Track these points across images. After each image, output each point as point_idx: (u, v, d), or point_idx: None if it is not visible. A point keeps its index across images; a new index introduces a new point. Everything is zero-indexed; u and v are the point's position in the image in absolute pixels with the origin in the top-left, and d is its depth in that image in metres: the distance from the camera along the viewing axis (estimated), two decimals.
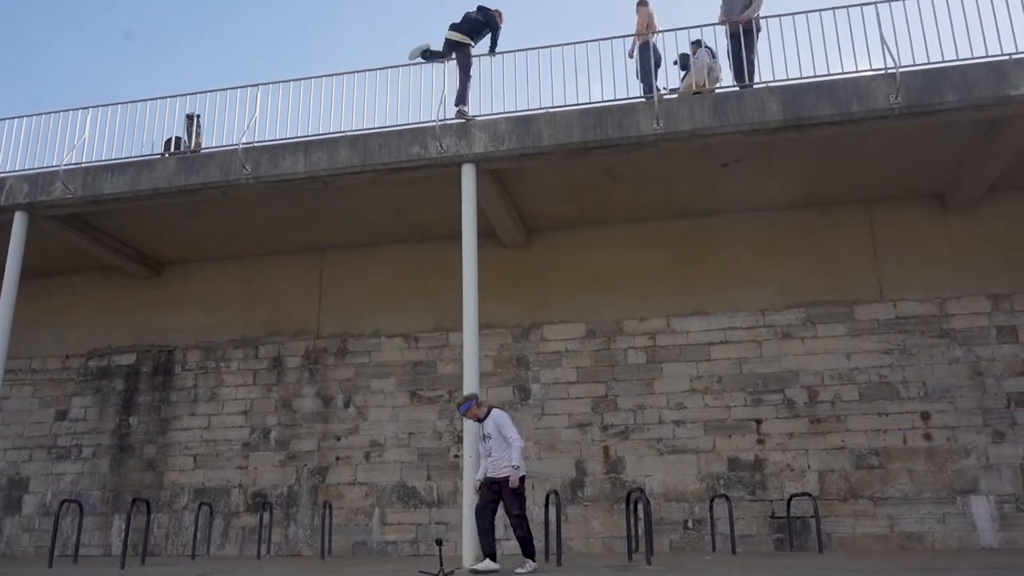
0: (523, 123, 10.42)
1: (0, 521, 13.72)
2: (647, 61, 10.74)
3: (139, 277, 14.53)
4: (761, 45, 10.44)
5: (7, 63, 45.86)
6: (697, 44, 10.84)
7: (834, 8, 10.05)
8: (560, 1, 47.72)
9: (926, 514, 11.09)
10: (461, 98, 10.87)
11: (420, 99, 11.03)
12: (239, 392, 13.68)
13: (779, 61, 10.00)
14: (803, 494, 11.11)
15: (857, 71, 9.86)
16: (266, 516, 12.50)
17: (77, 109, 12.07)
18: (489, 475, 8.20)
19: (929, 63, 9.70)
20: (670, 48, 11.70)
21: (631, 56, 11.03)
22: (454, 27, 11.14)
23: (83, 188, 11.57)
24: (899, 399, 11.59)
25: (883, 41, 9.73)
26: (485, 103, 10.92)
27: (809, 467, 11.54)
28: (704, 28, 10.62)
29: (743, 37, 10.45)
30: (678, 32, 10.80)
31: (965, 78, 9.48)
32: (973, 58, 9.62)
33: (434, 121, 10.67)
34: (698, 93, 10.25)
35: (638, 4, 11.38)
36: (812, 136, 10.11)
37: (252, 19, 47.73)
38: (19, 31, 45.43)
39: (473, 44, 11.07)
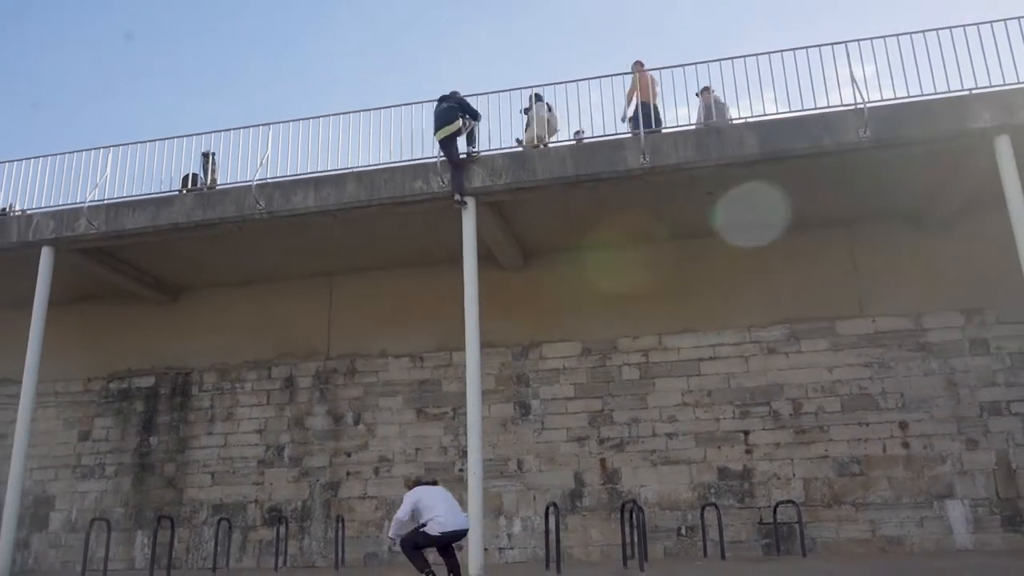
0: (519, 159, 11.15)
1: (28, 538, 14.40)
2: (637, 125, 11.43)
3: (156, 303, 15.24)
4: (740, 81, 11.08)
5: (7, 63, 46.59)
6: (536, 98, 11.90)
7: (807, 47, 10.77)
8: (554, 6, 48.51)
9: (905, 518, 11.76)
10: (459, 184, 11.18)
11: (423, 136, 11.70)
12: (254, 412, 14.38)
13: (756, 97, 10.71)
14: (789, 501, 11.78)
15: (828, 106, 10.61)
16: (282, 530, 13.16)
17: (99, 148, 12.83)
18: None
19: (895, 98, 10.43)
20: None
21: (624, 120, 11.72)
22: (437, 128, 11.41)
23: (106, 224, 12.30)
24: (879, 409, 12.26)
25: (852, 79, 10.46)
26: (483, 139, 11.63)
27: (794, 475, 12.20)
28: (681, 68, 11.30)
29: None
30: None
31: (929, 112, 10.19)
32: (936, 93, 10.34)
33: (435, 157, 11.40)
34: (536, 147, 11.36)
35: (635, 64, 12.09)
36: (789, 167, 10.81)
37: (252, 19, 48.50)
38: (19, 31, 46.16)
39: (462, 130, 11.37)
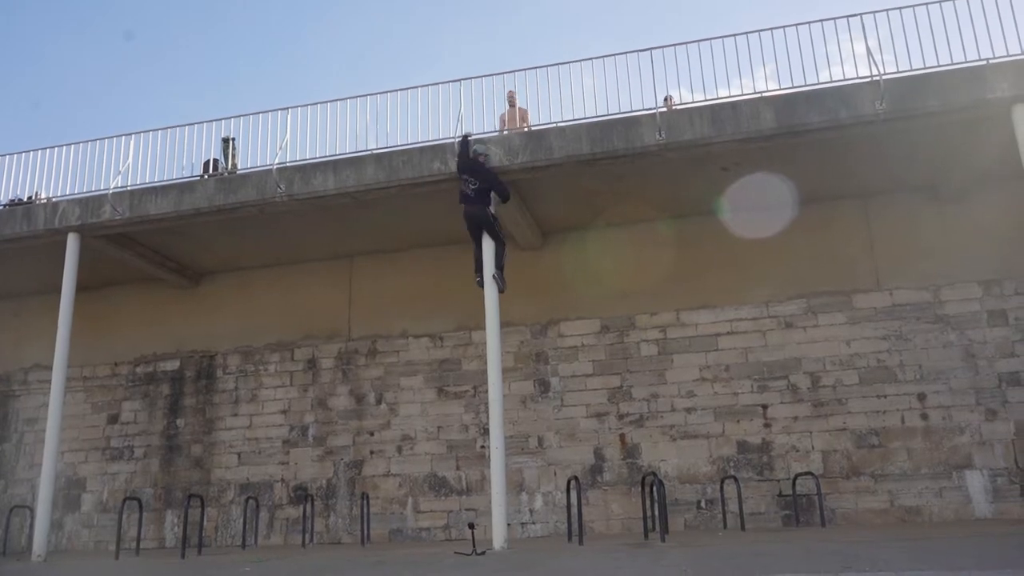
0: (535, 137, 11.24)
1: (61, 519, 14.76)
2: None
3: (179, 288, 15.49)
4: (755, 56, 11.07)
5: (7, 63, 46.85)
6: None
7: (822, 20, 10.78)
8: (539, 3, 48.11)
9: (924, 488, 11.85)
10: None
11: (439, 117, 11.83)
12: (277, 393, 14.64)
13: (772, 71, 10.75)
14: (807, 473, 11.90)
15: (844, 79, 10.60)
16: (308, 507, 13.43)
17: (121, 136, 13.04)
18: None
19: (912, 70, 10.43)
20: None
21: None
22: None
23: (130, 209, 12.52)
24: (897, 382, 12.33)
25: (868, 51, 10.46)
26: (491, 121, 11.74)
27: (813, 448, 12.31)
28: None
29: None
30: None
31: (945, 83, 10.18)
32: (953, 64, 10.31)
33: (452, 138, 11.51)
34: None
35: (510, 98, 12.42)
36: (805, 141, 10.84)
37: (252, 18, 48.56)
38: (19, 31, 46.38)
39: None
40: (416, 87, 11.97)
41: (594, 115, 11.28)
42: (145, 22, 45.01)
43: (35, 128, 45.70)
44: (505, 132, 12.04)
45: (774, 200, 12.84)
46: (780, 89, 10.72)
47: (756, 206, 12.99)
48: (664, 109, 11.20)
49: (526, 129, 11.99)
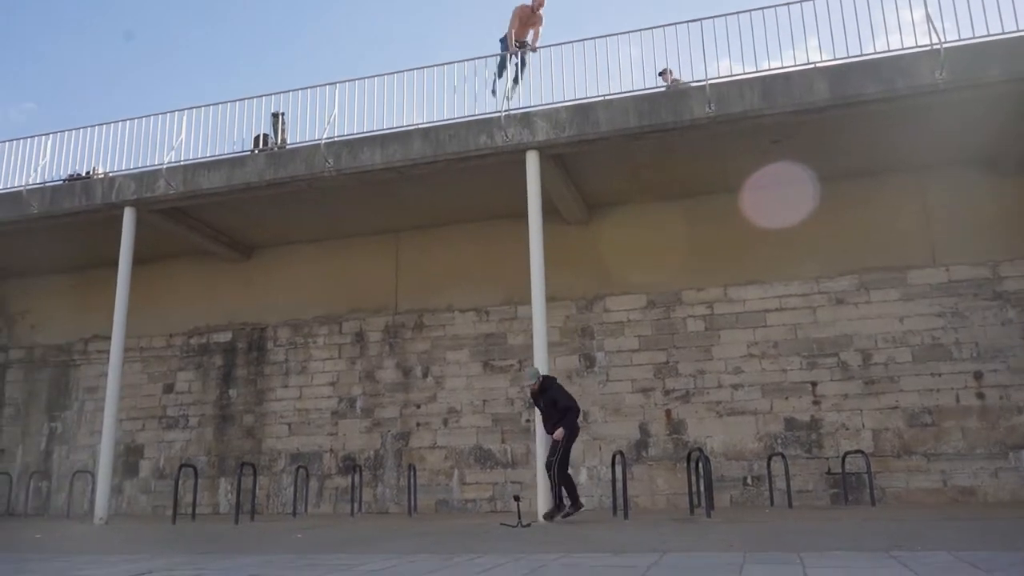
0: (582, 111, 11.13)
1: (121, 484, 15.28)
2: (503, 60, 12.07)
3: (231, 261, 15.79)
4: (808, 25, 10.79)
5: (6, 63, 47.64)
6: None
7: None
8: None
9: (979, 469, 11.60)
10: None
11: (485, 91, 11.82)
12: (326, 365, 14.88)
13: (826, 41, 10.46)
14: (857, 451, 11.72)
15: (903, 48, 10.27)
16: (356, 478, 13.67)
17: (173, 111, 13.26)
18: None
19: (974, 37, 10.05)
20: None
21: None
22: None
23: (183, 184, 12.78)
24: (952, 360, 12.05)
25: (928, 18, 10.10)
26: (546, 92, 11.64)
27: (863, 426, 12.12)
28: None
29: None
30: None
31: (1008, 51, 9.81)
32: (1018, 31, 9.92)
33: (499, 112, 11.47)
34: None
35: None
36: (859, 112, 10.56)
37: (253, 18, 48.68)
38: (19, 31, 47.08)
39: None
40: (461, 61, 11.93)
41: (642, 88, 11.14)
42: (145, 22, 45.36)
43: (36, 128, 46.65)
44: (514, 31, 12.45)
45: (825, 173, 12.57)
46: (833, 60, 10.43)
47: (806, 179, 12.73)
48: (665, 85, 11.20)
49: (537, 31, 12.53)
